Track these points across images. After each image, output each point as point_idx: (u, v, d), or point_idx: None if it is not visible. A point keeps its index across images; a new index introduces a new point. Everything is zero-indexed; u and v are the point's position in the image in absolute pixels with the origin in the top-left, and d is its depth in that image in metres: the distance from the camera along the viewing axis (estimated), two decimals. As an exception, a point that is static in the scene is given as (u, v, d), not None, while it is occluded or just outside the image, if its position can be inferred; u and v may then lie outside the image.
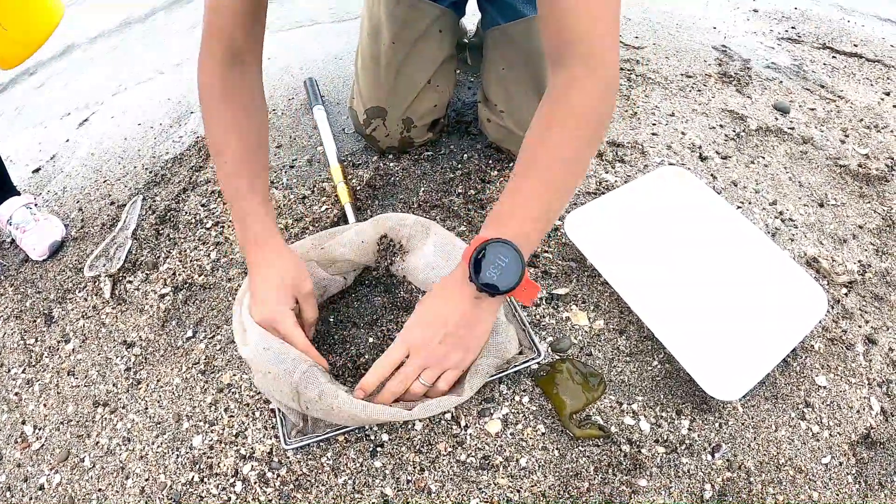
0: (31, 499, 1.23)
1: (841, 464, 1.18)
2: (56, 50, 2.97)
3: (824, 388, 1.28)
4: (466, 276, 1.04)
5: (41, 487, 1.24)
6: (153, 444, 1.25)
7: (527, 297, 1.06)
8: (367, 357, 1.24)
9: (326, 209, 1.66)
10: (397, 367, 1.10)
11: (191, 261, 1.58)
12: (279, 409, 1.20)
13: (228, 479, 1.17)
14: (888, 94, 2.23)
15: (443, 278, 1.14)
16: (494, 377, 1.23)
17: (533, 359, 1.26)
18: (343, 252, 1.32)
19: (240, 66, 1.20)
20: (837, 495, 1.14)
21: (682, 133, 1.91)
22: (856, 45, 2.54)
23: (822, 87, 2.24)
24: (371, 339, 1.29)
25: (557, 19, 1.01)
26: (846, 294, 1.46)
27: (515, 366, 1.25)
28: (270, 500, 1.13)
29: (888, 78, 2.34)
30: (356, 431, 1.20)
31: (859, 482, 1.17)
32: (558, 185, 1.06)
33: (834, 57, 2.45)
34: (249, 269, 1.20)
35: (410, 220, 1.33)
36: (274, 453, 1.18)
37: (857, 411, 1.26)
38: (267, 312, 1.14)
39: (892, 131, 2.01)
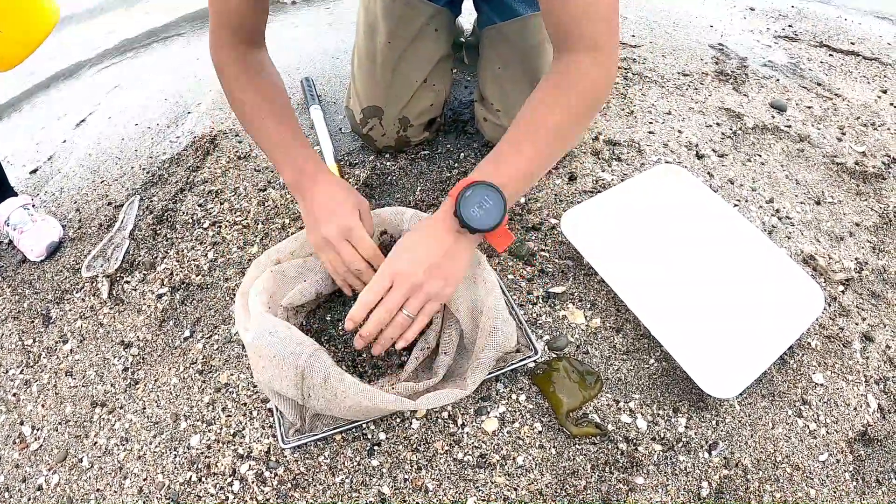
0: (29, 499, 1.23)
1: (838, 461, 1.18)
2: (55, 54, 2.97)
3: (821, 385, 1.28)
4: (450, 212, 1.11)
5: (39, 488, 1.24)
6: (151, 444, 1.25)
7: (501, 243, 1.14)
8: (365, 354, 1.24)
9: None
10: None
11: (188, 261, 1.58)
12: (277, 408, 1.20)
13: (226, 479, 1.17)
14: (885, 91, 2.24)
15: (429, 216, 1.23)
16: (492, 375, 1.24)
17: (530, 357, 1.26)
18: None
19: (251, 45, 1.31)
20: (835, 493, 1.14)
21: (679, 131, 1.91)
22: (853, 43, 2.54)
23: (819, 84, 2.24)
24: None
25: (562, 9, 1.09)
26: (843, 291, 1.47)
27: (512, 364, 1.25)
28: (268, 500, 1.13)
29: (885, 76, 2.34)
30: (353, 430, 1.20)
31: (857, 479, 1.17)
32: (550, 151, 1.17)
33: (831, 55, 2.45)
34: (307, 201, 1.24)
35: (408, 213, 1.33)
36: (271, 452, 1.18)
37: (855, 409, 1.26)
38: (341, 221, 1.18)
39: (888, 129, 2.02)
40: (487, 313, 1.17)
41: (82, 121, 2.31)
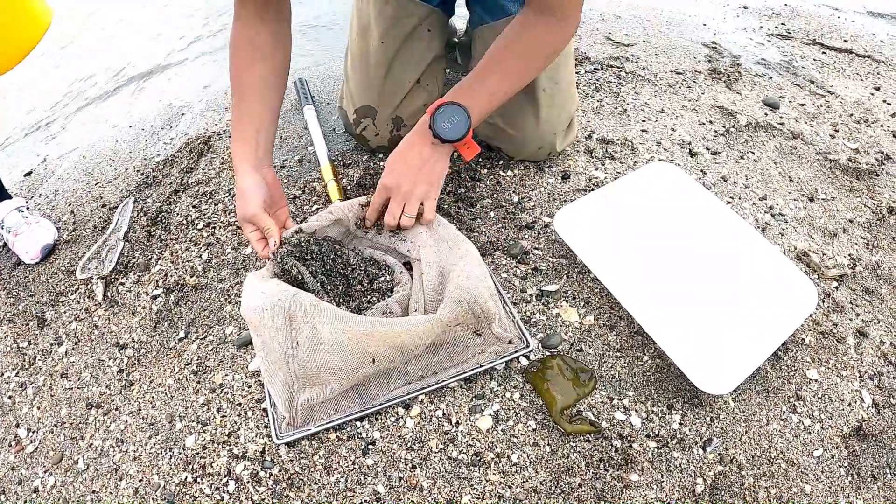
0: (25, 502, 1.22)
1: (833, 456, 1.19)
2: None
3: (815, 381, 1.29)
4: (426, 127, 1.33)
5: (35, 490, 1.24)
6: (146, 445, 1.25)
7: (468, 153, 1.39)
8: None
9: (317, 208, 1.66)
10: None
11: (182, 262, 1.58)
12: (271, 405, 1.22)
13: (221, 479, 1.16)
14: (878, 88, 2.25)
15: (407, 135, 1.40)
16: (486, 367, 1.25)
17: (521, 350, 1.27)
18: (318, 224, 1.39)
19: (269, 18, 1.36)
20: (830, 488, 1.15)
21: (672, 129, 1.92)
22: (846, 41, 2.55)
23: (812, 82, 2.25)
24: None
25: None
26: (837, 288, 1.47)
27: (505, 356, 1.26)
28: (263, 499, 1.13)
29: (878, 73, 2.35)
30: (348, 429, 1.20)
31: (852, 475, 1.17)
32: (511, 84, 1.37)
33: (824, 53, 2.46)
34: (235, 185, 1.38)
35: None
36: (266, 452, 1.18)
37: (849, 404, 1.26)
38: (248, 210, 1.32)
39: (882, 126, 2.02)
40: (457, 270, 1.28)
41: (76, 123, 2.31)
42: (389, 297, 1.30)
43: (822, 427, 1.22)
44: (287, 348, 1.15)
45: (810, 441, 1.20)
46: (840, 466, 1.18)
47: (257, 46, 1.36)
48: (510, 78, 1.36)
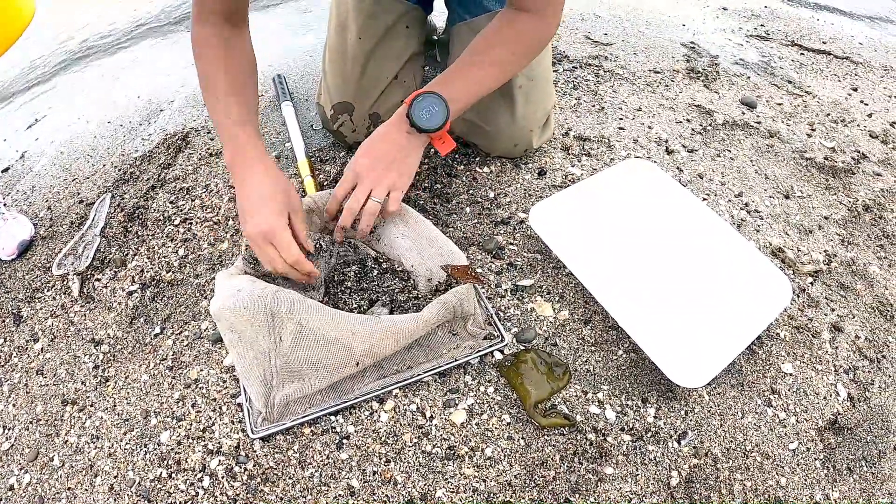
0: (1, 499, 1.22)
1: (808, 449, 1.20)
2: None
3: (790, 375, 1.30)
4: (403, 115, 1.33)
5: (11, 488, 1.23)
6: (121, 441, 1.24)
7: (444, 147, 1.38)
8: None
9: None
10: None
11: (159, 258, 1.57)
12: (246, 399, 1.21)
13: (196, 474, 1.16)
14: (856, 89, 2.27)
15: (383, 123, 1.38)
16: (460, 361, 1.25)
17: (496, 344, 1.28)
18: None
19: (232, 24, 1.33)
20: (805, 480, 1.16)
21: (649, 127, 1.93)
22: (824, 43, 2.57)
23: (790, 82, 2.26)
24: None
25: None
26: (812, 283, 1.48)
27: (480, 350, 1.26)
28: (238, 494, 1.12)
29: (856, 74, 2.37)
30: (322, 423, 1.20)
31: (827, 467, 1.19)
32: (493, 78, 1.37)
33: (802, 54, 2.48)
34: (238, 187, 1.27)
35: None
36: (241, 447, 1.18)
37: (824, 398, 1.28)
38: (262, 223, 1.19)
39: (859, 125, 2.04)
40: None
41: (54, 119, 2.30)
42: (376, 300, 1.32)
43: (797, 420, 1.23)
44: (269, 344, 1.15)
45: (785, 434, 1.21)
46: (816, 459, 1.19)
47: (227, 44, 1.33)
48: (491, 71, 1.36)
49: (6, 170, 2.06)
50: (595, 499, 1.10)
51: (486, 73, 1.35)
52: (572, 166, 1.75)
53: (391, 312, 1.29)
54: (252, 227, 1.20)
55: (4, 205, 1.75)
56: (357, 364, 1.17)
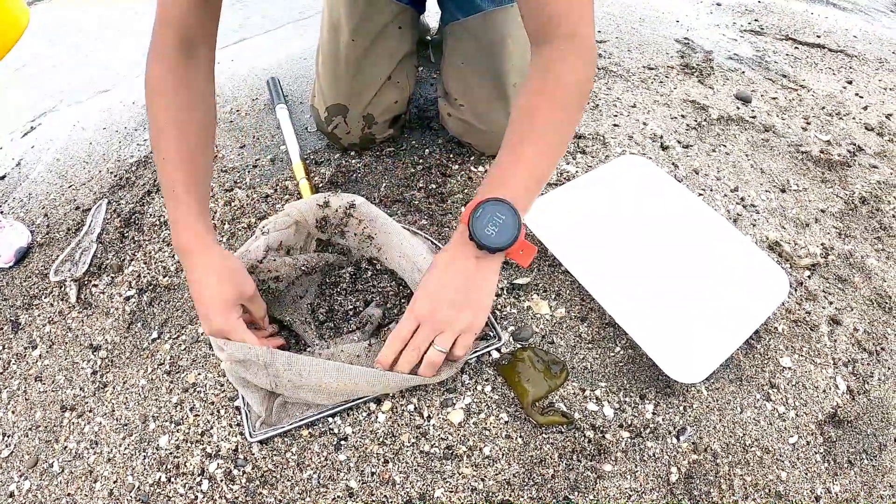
0: (1, 506, 1.22)
1: (808, 443, 1.20)
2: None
3: (789, 369, 1.30)
4: (466, 237, 1.09)
5: (11, 495, 1.23)
6: (120, 446, 1.24)
7: (524, 258, 1.13)
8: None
9: (288, 207, 1.66)
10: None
11: (155, 262, 1.57)
12: (244, 403, 1.21)
13: (195, 478, 1.16)
14: (851, 82, 2.27)
15: (443, 248, 1.19)
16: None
17: (493, 344, 1.28)
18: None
19: (192, 56, 1.20)
20: (806, 475, 1.16)
21: (644, 123, 1.93)
22: (819, 36, 2.57)
23: (785, 76, 2.26)
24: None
25: (538, 2, 1.10)
26: (809, 276, 1.48)
27: (477, 351, 1.26)
28: (237, 498, 1.12)
29: (851, 67, 2.37)
30: (320, 425, 1.20)
31: (828, 461, 1.18)
32: (552, 149, 1.14)
33: (797, 48, 2.48)
34: (188, 278, 1.19)
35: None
36: (239, 450, 1.18)
37: (824, 391, 1.27)
38: (215, 326, 1.14)
39: (854, 118, 2.04)
40: None
41: (50, 126, 2.30)
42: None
43: (796, 414, 1.23)
44: (267, 384, 1.15)
45: (785, 428, 1.21)
46: (816, 453, 1.19)
47: (182, 88, 1.19)
48: (546, 144, 1.13)
49: (2, 178, 2.06)
50: (594, 496, 1.10)
51: (542, 147, 1.12)
52: (567, 164, 1.75)
53: (384, 314, 1.29)
54: (208, 329, 1.16)
55: (1, 212, 1.76)
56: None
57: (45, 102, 2.49)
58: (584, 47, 1.11)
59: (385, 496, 1.10)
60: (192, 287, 1.17)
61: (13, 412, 1.36)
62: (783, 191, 1.71)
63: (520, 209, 1.08)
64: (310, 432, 1.19)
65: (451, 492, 1.10)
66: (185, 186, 1.17)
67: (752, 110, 2.04)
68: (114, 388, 1.34)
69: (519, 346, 1.31)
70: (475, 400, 1.22)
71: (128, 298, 1.51)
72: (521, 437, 1.17)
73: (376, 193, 1.67)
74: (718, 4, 2.83)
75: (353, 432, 1.18)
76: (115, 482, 1.19)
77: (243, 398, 1.22)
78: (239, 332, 1.14)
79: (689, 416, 1.20)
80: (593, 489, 1.11)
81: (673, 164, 1.77)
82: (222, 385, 1.29)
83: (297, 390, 1.14)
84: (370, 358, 1.20)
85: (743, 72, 2.26)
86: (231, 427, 1.22)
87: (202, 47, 1.22)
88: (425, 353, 1.12)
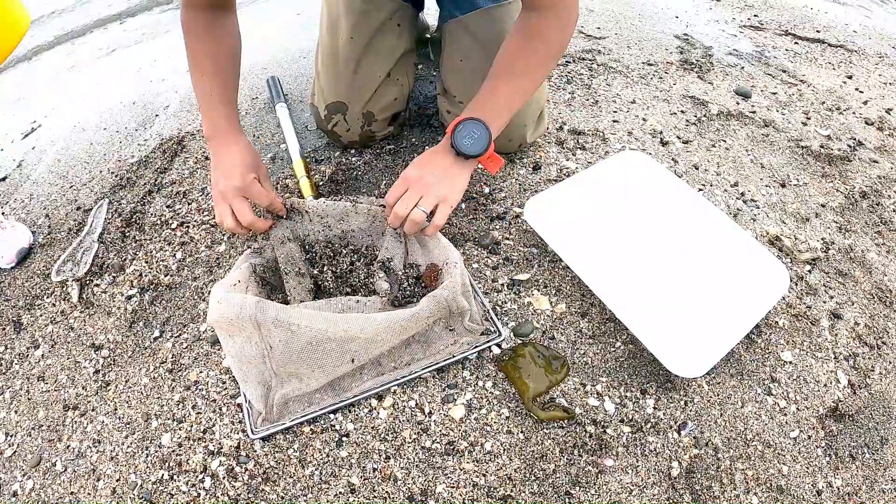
0: (4, 505, 1.22)
1: (810, 437, 1.20)
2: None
3: (790, 363, 1.30)
4: (448, 146, 1.33)
5: (14, 494, 1.23)
6: (123, 444, 1.24)
7: (493, 166, 1.38)
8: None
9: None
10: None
11: (157, 261, 1.57)
12: (246, 400, 1.22)
13: (197, 476, 1.16)
14: (850, 77, 2.26)
15: (427, 150, 1.40)
16: (458, 357, 1.26)
17: (494, 340, 1.28)
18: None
19: (219, 8, 1.38)
20: (807, 468, 1.16)
21: (644, 119, 1.93)
22: (818, 31, 2.57)
23: (784, 71, 2.26)
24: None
25: None
26: (810, 271, 1.48)
27: (478, 346, 1.27)
28: (239, 494, 1.13)
29: (850, 62, 2.37)
30: (321, 422, 1.20)
31: (829, 455, 1.19)
32: (524, 90, 1.37)
33: (796, 43, 2.48)
34: (213, 157, 1.37)
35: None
36: (241, 448, 1.18)
37: (825, 385, 1.28)
38: (236, 179, 1.30)
39: (854, 113, 2.04)
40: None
41: (50, 127, 2.30)
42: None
43: (797, 408, 1.23)
44: (263, 349, 1.16)
45: (786, 422, 1.21)
46: (817, 447, 1.19)
47: (213, 26, 1.38)
48: (522, 83, 1.36)
49: (4, 179, 2.06)
50: (595, 491, 1.10)
51: (517, 85, 1.35)
52: (567, 160, 1.75)
53: (391, 287, 1.30)
54: (225, 184, 1.31)
55: (3, 213, 1.75)
56: (353, 360, 1.18)
57: (45, 103, 2.49)
58: (564, 15, 1.31)
59: (387, 492, 1.11)
60: (217, 159, 1.36)
61: (16, 412, 1.36)
62: (783, 185, 1.71)
63: (492, 129, 1.32)
64: (311, 429, 1.19)
65: (453, 487, 1.10)
66: (220, 92, 1.39)
67: (752, 105, 2.04)
68: (116, 386, 1.35)
69: (520, 341, 1.31)
70: (476, 396, 1.22)
71: (129, 298, 1.51)
72: (522, 432, 1.17)
73: (376, 191, 1.67)
74: (718, 0, 2.82)
75: (354, 429, 1.19)
76: (117, 480, 1.20)
77: (245, 395, 1.22)
78: (255, 189, 1.31)
79: (691, 410, 1.20)
80: (594, 484, 1.11)
81: (673, 159, 1.77)
82: (224, 383, 1.29)
83: (288, 353, 1.15)
84: (357, 312, 1.23)
85: (742, 67, 2.26)
86: (233, 424, 1.22)
87: (224, 2, 1.40)
88: (410, 212, 1.29)
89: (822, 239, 1.56)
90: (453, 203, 1.32)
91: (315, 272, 1.34)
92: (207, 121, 1.38)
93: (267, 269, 1.34)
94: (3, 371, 1.44)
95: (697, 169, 1.74)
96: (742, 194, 1.66)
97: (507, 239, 1.52)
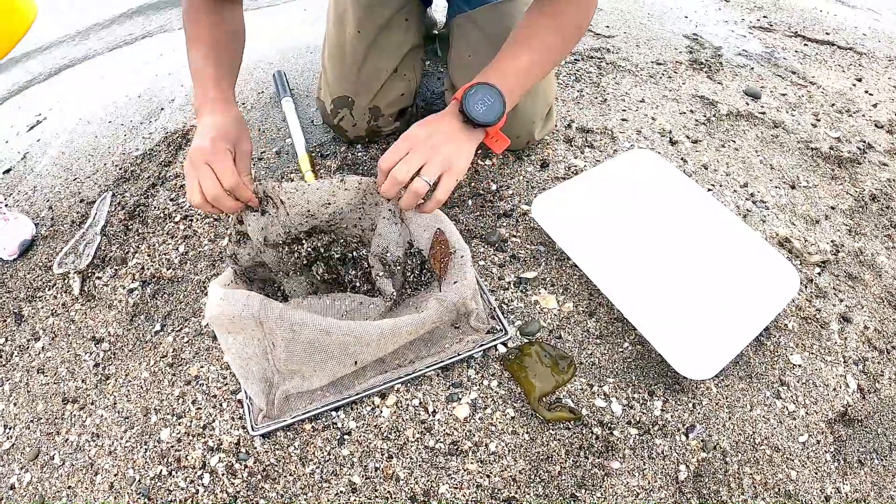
0: (1, 498, 1.21)
1: (818, 442, 1.19)
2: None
3: (799, 366, 1.29)
4: (456, 110, 1.21)
5: (12, 487, 1.23)
6: (122, 439, 1.24)
7: (498, 146, 1.29)
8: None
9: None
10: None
11: (159, 255, 1.56)
12: (246, 396, 1.21)
13: (196, 472, 1.16)
14: (860, 79, 2.25)
15: (433, 114, 1.26)
16: (463, 355, 1.24)
17: (500, 338, 1.27)
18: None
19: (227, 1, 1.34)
20: (816, 474, 1.15)
21: (653, 118, 1.92)
22: (828, 33, 2.56)
23: (794, 73, 2.25)
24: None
25: None
26: (819, 273, 1.47)
27: (484, 344, 1.25)
28: (238, 492, 1.12)
29: (860, 64, 2.36)
30: (323, 419, 1.19)
31: (838, 460, 1.17)
32: (542, 65, 1.30)
33: (806, 44, 2.47)
34: (198, 125, 1.23)
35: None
36: (241, 444, 1.17)
37: (834, 389, 1.26)
38: (207, 145, 1.15)
39: (864, 115, 2.03)
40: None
41: (55, 119, 2.30)
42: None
43: (806, 412, 1.22)
44: (266, 346, 1.15)
45: (795, 427, 1.20)
46: (826, 452, 1.18)
47: (216, 11, 1.32)
48: (541, 58, 1.28)
49: (8, 171, 2.06)
50: (602, 494, 1.09)
51: (536, 59, 1.27)
52: (575, 158, 1.73)
53: (395, 291, 1.26)
54: (194, 149, 1.16)
55: (6, 205, 1.75)
56: (356, 363, 1.16)
57: (50, 96, 2.49)
58: (586, 3, 1.29)
59: (388, 492, 1.10)
60: (200, 126, 1.22)
61: (15, 404, 1.36)
62: (793, 187, 1.70)
63: (508, 100, 1.22)
64: (313, 426, 1.18)
65: (456, 488, 1.09)
66: (216, 65, 1.29)
67: (762, 106, 2.03)
68: (116, 380, 1.34)
69: (526, 340, 1.30)
70: (481, 395, 1.21)
71: (131, 291, 1.50)
72: (527, 433, 1.16)
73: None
74: (727, 1, 2.81)
75: (356, 427, 1.18)
76: (115, 475, 1.19)
77: (245, 392, 1.20)
78: (226, 158, 1.15)
79: (699, 413, 1.19)
80: (600, 486, 1.10)
81: (682, 158, 1.76)
82: (225, 378, 1.28)
83: (290, 353, 1.13)
84: (361, 315, 1.23)
85: (752, 68, 2.25)
86: (233, 420, 1.21)
87: None
88: (410, 182, 1.17)
89: (831, 241, 1.55)
90: (459, 174, 1.20)
91: (305, 267, 1.31)
92: (196, 93, 1.28)
93: (248, 270, 1.32)
94: (3, 363, 1.44)
95: (707, 169, 1.73)
96: (751, 195, 1.65)
97: (515, 236, 1.51)
